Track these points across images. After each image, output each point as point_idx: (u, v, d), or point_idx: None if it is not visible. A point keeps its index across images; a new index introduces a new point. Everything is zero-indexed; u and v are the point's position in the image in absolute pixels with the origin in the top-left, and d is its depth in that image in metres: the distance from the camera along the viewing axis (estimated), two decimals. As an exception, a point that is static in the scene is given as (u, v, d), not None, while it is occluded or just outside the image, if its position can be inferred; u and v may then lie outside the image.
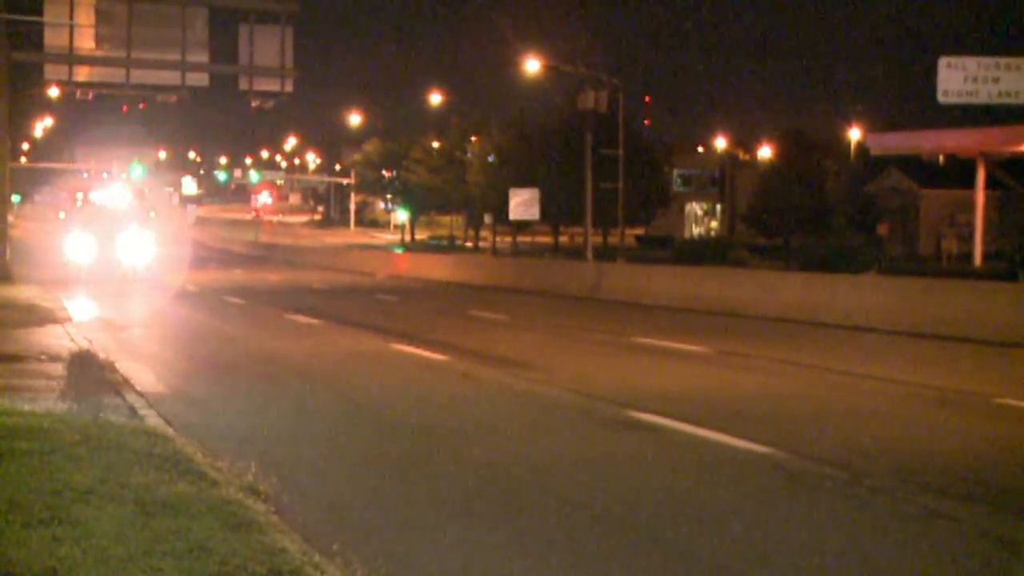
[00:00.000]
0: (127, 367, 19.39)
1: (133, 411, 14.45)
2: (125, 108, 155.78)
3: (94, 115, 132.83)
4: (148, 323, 31.77)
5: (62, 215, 79.71)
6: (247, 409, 16.41)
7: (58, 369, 18.17)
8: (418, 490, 11.46)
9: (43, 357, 19.72)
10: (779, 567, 9.01)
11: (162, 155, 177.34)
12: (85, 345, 21.68)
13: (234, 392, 18.06)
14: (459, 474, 12.10)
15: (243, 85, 46.78)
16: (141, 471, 9.88)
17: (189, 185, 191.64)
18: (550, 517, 10.43)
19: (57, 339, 23.13)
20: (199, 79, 46.56)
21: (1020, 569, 9.01)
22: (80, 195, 66.50)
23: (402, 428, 14.95)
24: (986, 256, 58.83)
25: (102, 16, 44.38)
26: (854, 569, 9.01)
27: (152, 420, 13.86)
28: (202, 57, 45.74)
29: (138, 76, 45.79)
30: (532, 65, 61.32)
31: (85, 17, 43.90)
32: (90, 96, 48.50)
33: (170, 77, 46.12)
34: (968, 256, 63.37)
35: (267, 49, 45.95)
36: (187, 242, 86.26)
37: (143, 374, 19.11)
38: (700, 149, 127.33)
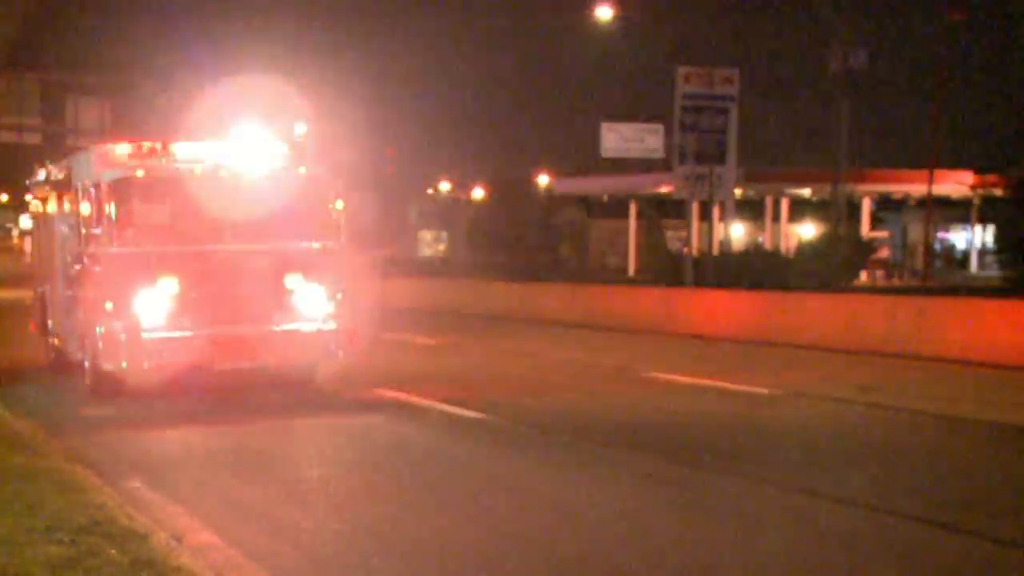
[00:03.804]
0: None
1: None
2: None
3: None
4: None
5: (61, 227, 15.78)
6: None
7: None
8: (214, 440, 11.18)
9: None
10: (489, 498, 9.12)
11: (4, 197, 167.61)
12: None
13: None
14: (245, 437, 11.85)
15: (71, 143, 45.18)
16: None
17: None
18: (313, 467, 10.33)
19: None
20: (33, 138, 44.93)
21: (661, 495, 9.33)
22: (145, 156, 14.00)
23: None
24: (638, 269, 60.90)
25: (-52, 84, 42.64)
26: (546, 500, 9.18)
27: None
28: (35, 120, 44.10)
29: (-18, 135, 44.16)
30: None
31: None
32: None
33: (8, 136, 44.41)
34: (625, 269, 65.46)
35: (90, 114, 44.41)
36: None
37: None
38: (430, 190, 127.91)
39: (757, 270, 35.05)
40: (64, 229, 15.53)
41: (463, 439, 11.92)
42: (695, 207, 38.22)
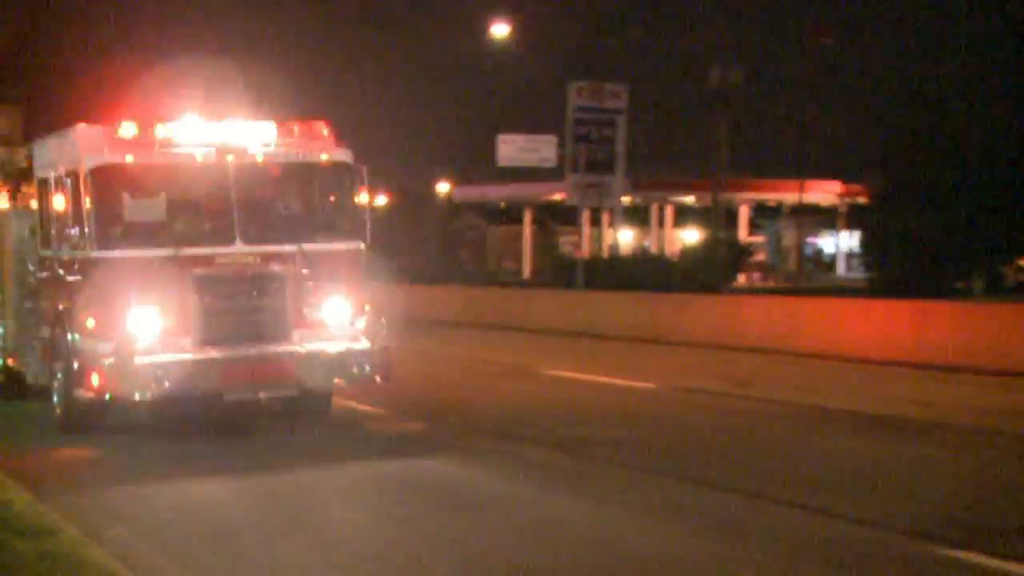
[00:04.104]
0: None
1: None
2: None
3: None
4: None
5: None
6: None
7: None
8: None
9: None
10: (378, 481, 9.12)
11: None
12: None
13: None
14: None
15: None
16: None
17: None
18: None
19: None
20: (-59, 144, 43.61)
21: (538, 481, 9.40)
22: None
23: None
24: (533, 272, 61.21)
25: None
26: (435, 485, 9.19)
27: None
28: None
29: None
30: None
31: None
32: None
33: (-83, 143, 43.08)
34: (520, 273, 65.80)
35: (1, 122, 43.15)
36: None
37: None
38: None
39: (644, 273, 35.54)
40: (21, 228, 12.43)
41: (349, 427, 11.78)
42: (586, 214, 38.60)
